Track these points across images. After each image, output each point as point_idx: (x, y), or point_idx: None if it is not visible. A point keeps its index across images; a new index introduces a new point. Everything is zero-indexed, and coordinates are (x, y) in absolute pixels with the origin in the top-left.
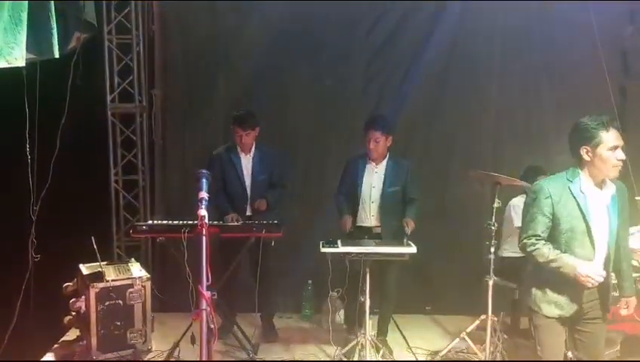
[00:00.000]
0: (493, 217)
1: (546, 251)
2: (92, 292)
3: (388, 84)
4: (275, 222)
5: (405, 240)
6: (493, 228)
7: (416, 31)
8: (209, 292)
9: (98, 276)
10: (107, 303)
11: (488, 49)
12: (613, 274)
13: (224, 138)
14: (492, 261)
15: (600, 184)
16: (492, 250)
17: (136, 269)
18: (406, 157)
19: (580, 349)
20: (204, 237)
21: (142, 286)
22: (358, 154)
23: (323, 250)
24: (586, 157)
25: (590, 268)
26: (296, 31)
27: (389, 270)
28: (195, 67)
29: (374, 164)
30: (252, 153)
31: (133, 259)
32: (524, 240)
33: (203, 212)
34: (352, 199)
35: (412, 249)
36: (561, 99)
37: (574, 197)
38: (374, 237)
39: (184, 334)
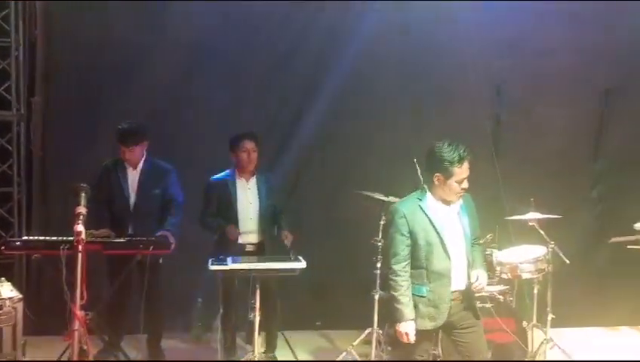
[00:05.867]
0: (380, 234)
1: (400, 289)
2: None
3: (281, 103)
4: (164, 237)
5: (292, 255)
6: (379, 244)
7: (311, 50)
8: (82, 312)
9: None
10: None
11: (381, 74)
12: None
13: (113, 151)
14: (378, 276)
15: (447, 201)
16: (378, 265)
17: (7, 289)
18: (270, 171)
19: (463, 356)
20: (79, 254)
21: (12, 307)
22: (219, 174)
23: (212, 267)
24: (436, 182)
25: (410, 329)
26: (192, 40)
27: (272, 285)
28: (83, 75)
29: (244, 180)
30: (140, 167)
31: (3, 279)
32: (392, 266)
33: (80, 227)
34: (226, 219)
35: (302, 264)
36: (443, 126)
37: (425, 214)
38: (250, 254)
39: (59, 358)
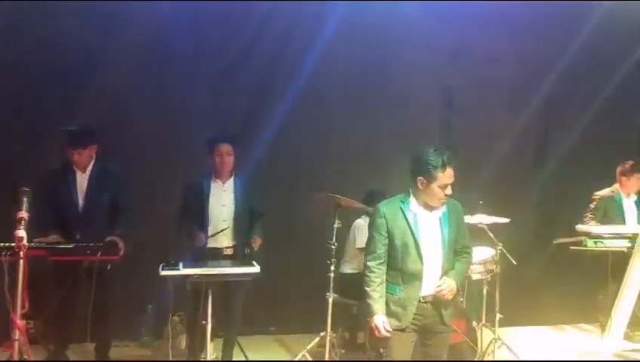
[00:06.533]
0: (334, 236)
1: (372, 285)
2: None
3: (233, 106)
4: (113, 242)
5: (247, 256)
6: (333, 246)
7: (265, 53)
8: (24, 321)
9: None
10: None
11: (333, 79)
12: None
13: (59, 154)
14: (332, 278)
15: (429, 205)
16: (332, 268)
17: None
18: (250, 175)
19: (424, 356)
20: (21, 261)
21: None
22: (199, 174)
23: (162, 273)
24: (420, 186)
25: (380, 323)
26: (142, 43)
27: (236, 293)
28: (27, 75)
29: (221, 182)
30: (89, 171)
31: None
32: (367, 262)
33: (22, 233)
34: (200, 221)
35: (255, 269)
36: (395, 130)
37: (405, 216)
38: (225, 258)
39: None
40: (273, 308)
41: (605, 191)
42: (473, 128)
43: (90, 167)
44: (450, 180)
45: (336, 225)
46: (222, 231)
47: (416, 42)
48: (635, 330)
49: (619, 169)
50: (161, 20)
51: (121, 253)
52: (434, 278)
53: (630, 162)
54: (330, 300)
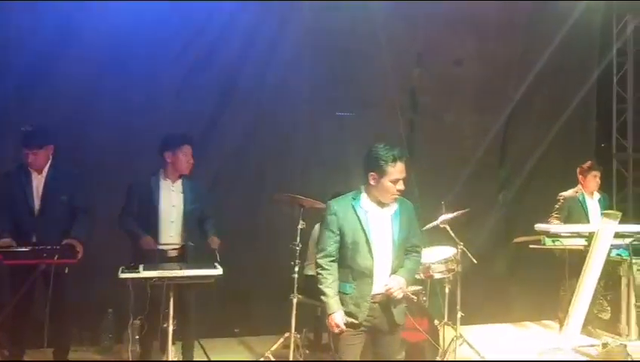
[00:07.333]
0: (298, 238)
1: (325, 282)
2: None
3: (198, 107)
4: (70, 245)
5: (217, 259)
6: (297, 248)
7: (229, 53)
8: None
9: None
10: None
11: (298, 79)
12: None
13: (15, 155)
14: (296, 280)
15: (381, 203)
16: (296, 269)
17: None
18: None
19: (376, 356)
20: None
21: None
22: (151, 172)
23: (122, 275)
24: (371, 181)
25: (338, 319)
26: (102, 42)
27: (188, 293)
28: None
29: (170, 181)
30: (45, 172)
31: None
32: (318, 260)
33: None
34: (146, 221)
35: (218, 271)
36: (360, 130)
37: (356, 213)
38: (172, 260)
39: None
40: (237, 309)
41: (569, 192)
42: (438, 129)
43: (46, 169)
44: (402, 175)
45: (300, 226)
46: (172, 244)
47: (381, 43)
48: (595, 327)
49: (578, 169)
50: (122, 20)
51: (79, 255)
52: (384, 275)
53: (589, 162)
54: (295, 301)
